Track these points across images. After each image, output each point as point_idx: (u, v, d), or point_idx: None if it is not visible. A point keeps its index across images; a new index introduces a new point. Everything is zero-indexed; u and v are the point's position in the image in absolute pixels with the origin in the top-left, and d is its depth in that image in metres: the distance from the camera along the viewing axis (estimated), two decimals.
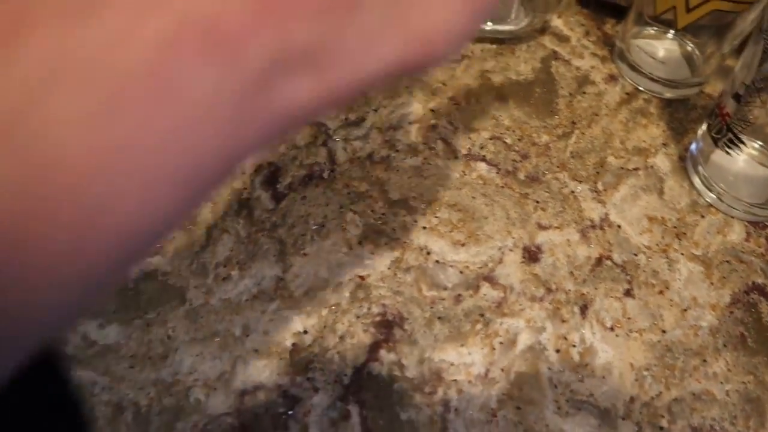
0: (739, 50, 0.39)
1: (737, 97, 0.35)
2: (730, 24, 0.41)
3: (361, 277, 0.35)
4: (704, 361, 0.34)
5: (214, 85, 0.11)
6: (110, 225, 0.11)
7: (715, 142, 0.38)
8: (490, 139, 0.41)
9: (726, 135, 0.37)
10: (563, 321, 0.34)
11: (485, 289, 0.35)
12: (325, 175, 0.39)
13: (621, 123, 0.43)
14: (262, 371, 0.32)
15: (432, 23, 0.14)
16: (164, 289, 0.34)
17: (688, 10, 0.40)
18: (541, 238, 0.37)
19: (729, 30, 0.41)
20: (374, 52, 0.14)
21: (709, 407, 0.32)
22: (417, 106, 0.43)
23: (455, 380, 0.32)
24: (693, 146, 0.41)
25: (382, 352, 0.33)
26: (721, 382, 0.33)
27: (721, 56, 0.43)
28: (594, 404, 0.32)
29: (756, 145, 0.38)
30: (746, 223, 0.39)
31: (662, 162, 0.41)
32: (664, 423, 0.32)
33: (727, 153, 0.38)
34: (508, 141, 0.42)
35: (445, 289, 0.35)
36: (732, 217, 0.39)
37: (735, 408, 0.32)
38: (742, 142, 0.37)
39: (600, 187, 0.40)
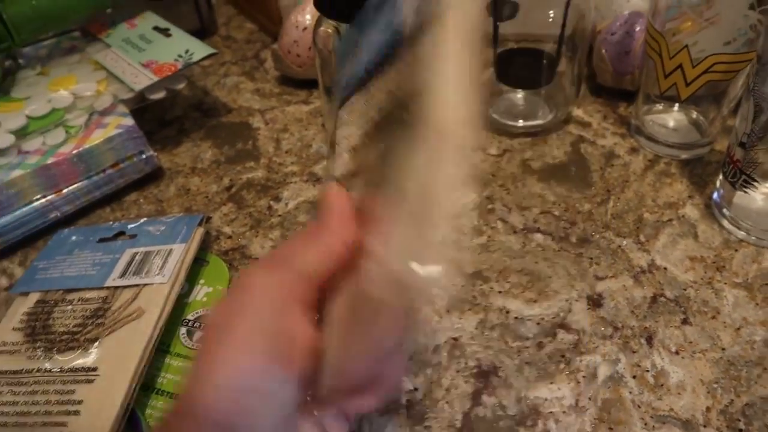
0: (735, 110, 0.46)
1: (743, 145, 0.43)
2: (724, 91, 0.49)
3: (455, 339, 0.41)
4: (765, 369, 0.39)
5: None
6: None
7: (733, 185, 0.45)
8: (541, 213, 0.49)
9: (741, 177, 0.44)
10: (634, 352, 0.40)
11: (561, 334, 0.41)
12: None
13: (649, 185, 0.51)
14: (385, 425, 0.37)
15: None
16: None
17: (687, 84, 0.48)
18: (600, 287, 0.44)
19: (724, 96, 0.49)
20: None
21: None
22: (473, 196, 0.50)
23: (551, 412, 0.37)
24: (715, 194, 0.48)
25: (484, 397, 0.38)
26: None
27: (722, 118, 0.51)
28: (676, 417, 0.37)
29: None
30: None
31: (691, 211, 0.48)
32: (741, 425, 0.36)
33: (746, 192, 0.44)
34: (556, 213, 0.49)
35: (527, 339, 0.41)
36: (762, 247, 0.45)
37: None
38: (756, 181, 0.43)
39: (642, 239, 0.47)
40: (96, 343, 0.39)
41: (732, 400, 0.37)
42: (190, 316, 0.44)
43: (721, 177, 0.47)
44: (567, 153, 0.54)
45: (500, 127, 0.56)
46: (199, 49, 0.54)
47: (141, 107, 0.54)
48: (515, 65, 0.55)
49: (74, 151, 0.49)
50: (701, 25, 0.46)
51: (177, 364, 0.41)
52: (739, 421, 0.36)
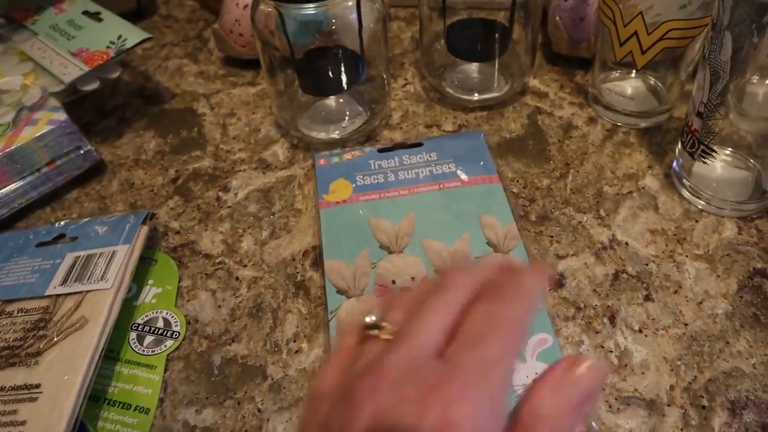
0: (694, 75, 0.45)
1: (700, 115, 0.42)
2: (681, 55, 0.47)
3: None
4: (727, 342, 0.38)
5: None
6: None
7: (692, 155, 0.44)
8: None
9: (699, 148, 0.43)
10: (597, 332, 0.39)
11: None
12: None
13: (608, 156, 0.49)
14: None
15: None
16: (245, 370, 0.39)
17: (643, 52, 0.47)
18: (562, 266, 0.43)
19: (681, 60, 0.48)
20: None
21: (740, 381, 0.36)
22: None
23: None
24: (674, 164, 0.47)
25: None
26: (746, 358, 0.37)
27: (680, 84, 0.49)
28: (640, 397, 0.36)
29: (727, 152, 0.44)
30: (736, 219, 0.44)
31: (651, 182, 0.47)
32: (704, 402, 0.36)
33: (704, 163, 0.43)
34: (515, 190, 0.47)
35: None
36: (723, 216, 0.44)
37: (764, 377, 0.36)
38: (714, 151, 0.42)
39: (602, 213, 0.46)
40: (38, 358, 0.37)
41: (695, 376, 0.37)
42: (139, 320, 0.42)
43: (679, 146, 0.46)
44: (524, 126, 0.52)
45: (455, 102, 0.55)
46: (133, 35, 0.50)
47: (77, 99, 0.51)
48: (467, 37, 0.53)
49: (3, 152, 0.46)
50: None
51: (128, 371, 0.39)
52: (702, 397, 0.36)
